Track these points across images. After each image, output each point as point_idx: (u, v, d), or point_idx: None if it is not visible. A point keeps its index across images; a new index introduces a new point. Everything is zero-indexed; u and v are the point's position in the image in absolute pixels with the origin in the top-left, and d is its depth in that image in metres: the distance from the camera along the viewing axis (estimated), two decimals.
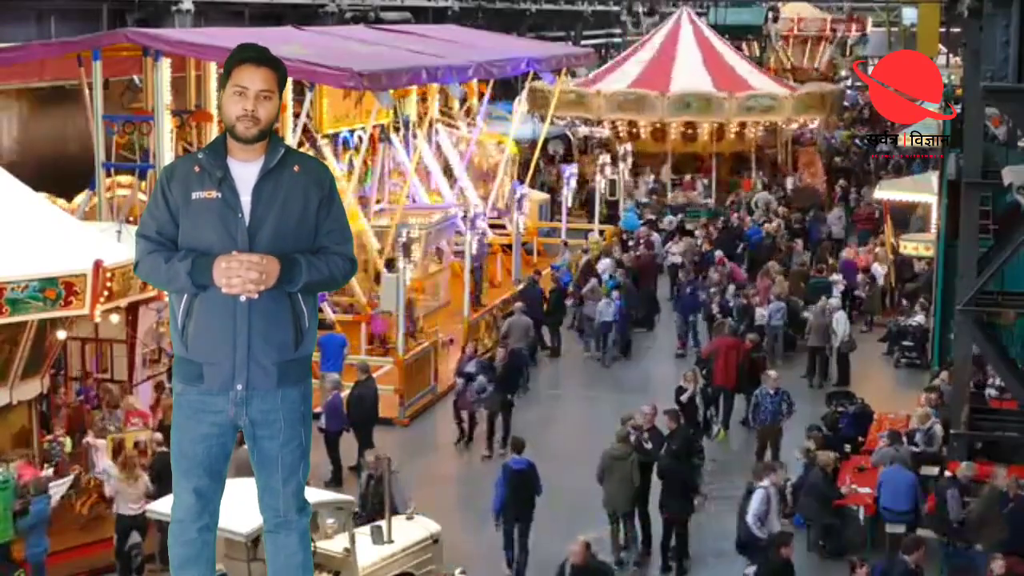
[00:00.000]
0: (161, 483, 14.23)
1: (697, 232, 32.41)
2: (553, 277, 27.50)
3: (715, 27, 47.18)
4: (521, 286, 26.90)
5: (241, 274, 4.42)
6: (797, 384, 23.15)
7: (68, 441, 16.99)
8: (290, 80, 23.42)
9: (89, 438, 17.02)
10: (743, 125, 38.77)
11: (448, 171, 31.28)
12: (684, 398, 19.42)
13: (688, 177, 38.76)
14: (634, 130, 38.98)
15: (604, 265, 28.12)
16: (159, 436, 16.07)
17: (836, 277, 27.18)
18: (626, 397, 21.43)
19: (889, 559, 14.53)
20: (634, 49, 42.79)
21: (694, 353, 24.50)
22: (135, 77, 24.32)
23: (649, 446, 16.51)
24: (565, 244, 31.26)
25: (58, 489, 15.65)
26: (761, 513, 14.81)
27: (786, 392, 19.36)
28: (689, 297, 25.95)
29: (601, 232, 33.26)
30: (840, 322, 23.60)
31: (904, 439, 17.26)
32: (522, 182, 32.37)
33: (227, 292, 4.46)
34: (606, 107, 38.38)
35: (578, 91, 38.49)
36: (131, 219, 20.51)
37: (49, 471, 16.05)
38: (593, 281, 26.25)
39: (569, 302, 26.74)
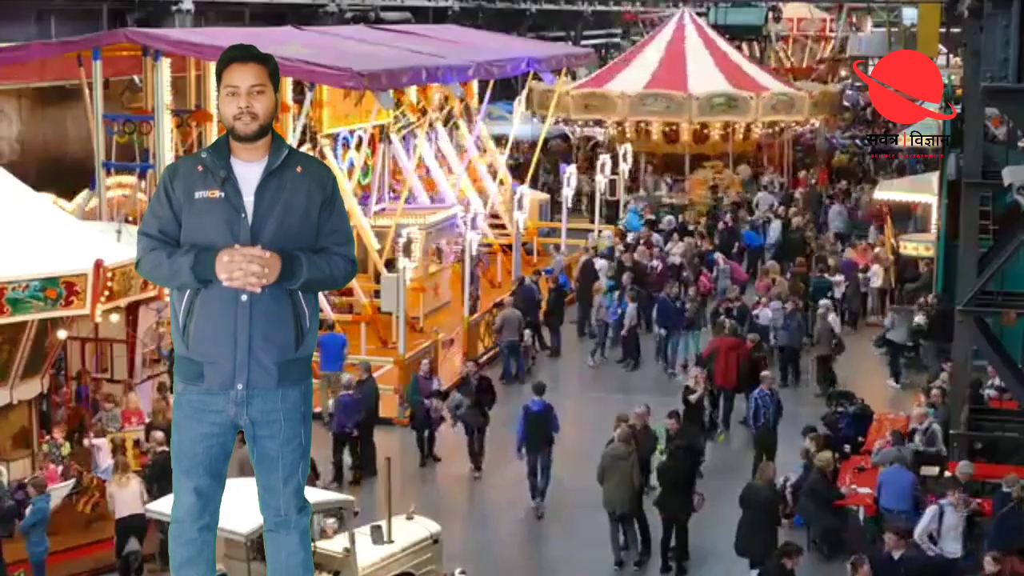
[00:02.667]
0: (160, 483, 14.21)
1: (698, 232, 32.38)
2: (546, 279, 27.22)
3: (715, 27, 47.15)
4: (514, 286, 26.77)
5: (243, 267, 4.43)
6: (797, 388, 23.18)
7: (66, 444, 16.97)
8: (291, 80, 23.57)
9: (91, 438, 17.05)
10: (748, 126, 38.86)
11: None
12: (693, 399, 19.18)
13: (803, 174, 39.28)
14: (647, 129, 38.98)
15: (601, 265, 28.07)
16: (160, 436, 16.07)
17: (838, 277, 27.15)
18: (626, 397, 21.43)
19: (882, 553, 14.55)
20: (639, 47, 42.50)
21: (680, 368, 23.88)
22: (135, 77, 24.32)
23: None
24: (557, 248, 31.06)
25: (60, 491, 15.65)
26: (931, 530, 14.46)
27: (776, 392, 19.40)
28: (676, 312, 24.44)
29: (601, 232, 33.19)
30: (834, 324, 23.49)
31: (905, 439, 17.26)
32: (522, 182, 32.35)
33: (228, 285, 4.46)
34: (574, 106, 38.33)
35: (549, 89, 38.15)
36: (131, 219, 20.52)
37: (57, 469, 16.08)
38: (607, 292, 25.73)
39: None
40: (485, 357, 24.80)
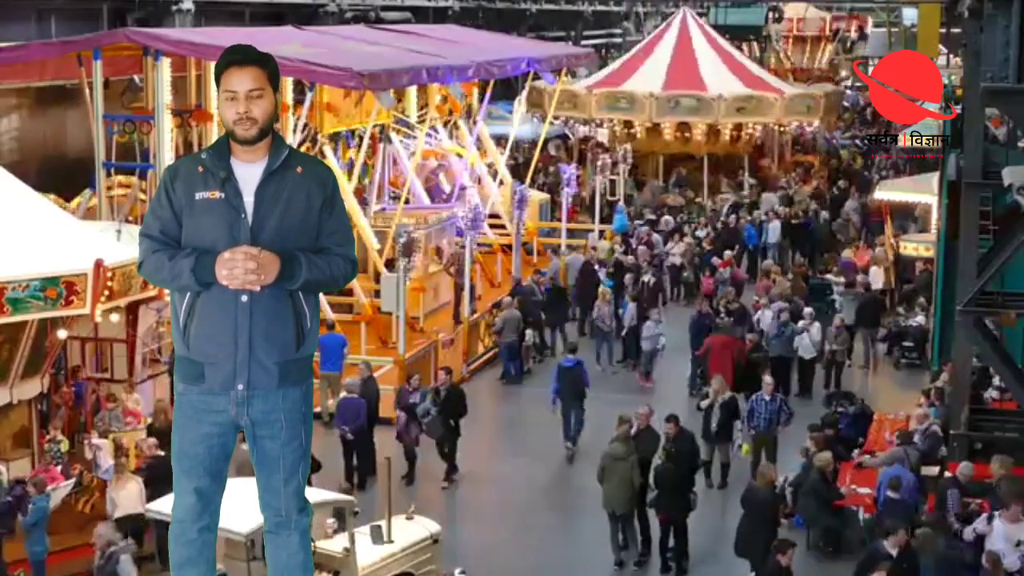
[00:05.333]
0: (156, 487, 14.17)
1: (699, 232, 32.33)
2: (537, 282, 27.04)
3: (716, 27, 47.12)
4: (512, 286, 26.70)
5: (242, 266, 4.42)
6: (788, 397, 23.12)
7: (65, 441, 16.98)
8: (291, 80, 23.57)
9: (93, 438, 17.03)
10: (739, 126, 38.77)
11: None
12: (703, 404, 18.85)
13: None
14: (631, 130, 38.96)
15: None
16: (153, 441, 16.02)
17: (839, 278, 27.12)
18: (627, 397, 21.42)
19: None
20: (644, 50, 42.25)
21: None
22: (135, 77, 24.33)
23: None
24: (555, 252, 30.95)
25: (60, 491, 15.64)
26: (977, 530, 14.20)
27: (784, 399, 19.19)
28: (708, 330, 22.59)
29: (601, 233, 33.19)
30: (814, 332, 23.23)
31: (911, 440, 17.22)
32: (522, 182, 32.35)
33: (228, 285, 4.46)
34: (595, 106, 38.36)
35: (537, 87, 38.09)
36: (131, 219, 20.52)
37: (58, 469, 16.07)
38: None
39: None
40: (484, 358, 24.82)
